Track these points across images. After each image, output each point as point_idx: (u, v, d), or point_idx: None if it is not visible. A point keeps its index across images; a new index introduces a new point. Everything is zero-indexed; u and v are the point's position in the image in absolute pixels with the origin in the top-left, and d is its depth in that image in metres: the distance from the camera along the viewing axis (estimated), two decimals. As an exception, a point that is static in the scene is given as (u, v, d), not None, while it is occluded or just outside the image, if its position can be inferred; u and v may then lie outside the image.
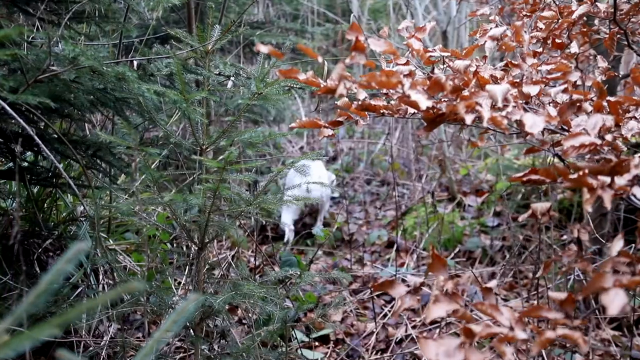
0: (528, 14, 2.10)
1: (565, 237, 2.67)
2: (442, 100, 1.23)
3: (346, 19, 7.39)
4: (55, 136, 2.18)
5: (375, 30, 7.22)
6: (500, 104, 1.16)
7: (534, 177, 1.18)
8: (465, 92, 1.25)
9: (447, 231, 3.28)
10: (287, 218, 3.77)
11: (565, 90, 1.29)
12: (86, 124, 2.93)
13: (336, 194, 4.58)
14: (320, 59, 1.20)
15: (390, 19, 7.69)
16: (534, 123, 1.12)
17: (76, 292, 2.45)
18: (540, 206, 1.15)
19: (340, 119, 1.45)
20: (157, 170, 1.97)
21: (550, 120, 1.16)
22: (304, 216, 4.06)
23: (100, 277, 2.59)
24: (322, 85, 1.24)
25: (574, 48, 1.79)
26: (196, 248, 1.96)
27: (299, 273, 2.07)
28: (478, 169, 4.16)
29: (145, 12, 4.26)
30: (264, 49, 1.16)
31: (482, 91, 1.21)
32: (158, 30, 4.30)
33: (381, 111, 1.39)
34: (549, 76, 1.34)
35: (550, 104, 1.40)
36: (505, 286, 2.91)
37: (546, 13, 1.84)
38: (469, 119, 1.08)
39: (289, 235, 3.74)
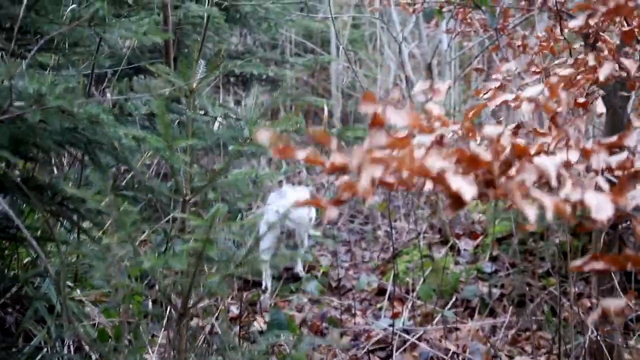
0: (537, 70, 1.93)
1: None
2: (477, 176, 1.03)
3: (325, 49, 7.24)
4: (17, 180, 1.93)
5: (355, 61, 7.08)
6: (554, 182, 0.96)
7: (597, 266, 0.97)
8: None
9: (444, 279, 3.08)
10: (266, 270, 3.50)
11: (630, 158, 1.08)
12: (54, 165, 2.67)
13: (317, 233, 4.34)
14: (333, 145, 0.98)
15: (368, 50, 7.59)
16: (601, 206, 0.91)
17: (39, 357, 2.16)
18: (613, 304, 0.94)
19: (344, 197, 1.21)
20: (133, 223, 1.72)
21: (617, 199, 0.96)
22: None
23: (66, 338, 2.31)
24: (327, 165, 1.02)
25: (600, 107, 1.60)
26: (177, 315, 1.72)
27: (292, 340, 1.83)
28: (470, 208, 4.00)
29: (118, 41, 4.02)
30: (263, 137, 0.94)
31: (528, 163, 1.00)
32: (133, 60, 4.07)
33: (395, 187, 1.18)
34: (603, 141, 1.13)
35: (593, 173, 1.19)
36: (507, 340, 2.71)
37: (565, 71, 1.65)
38: (531, 212, 0.86)
39: (267, 282, 3.48)
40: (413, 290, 3.15)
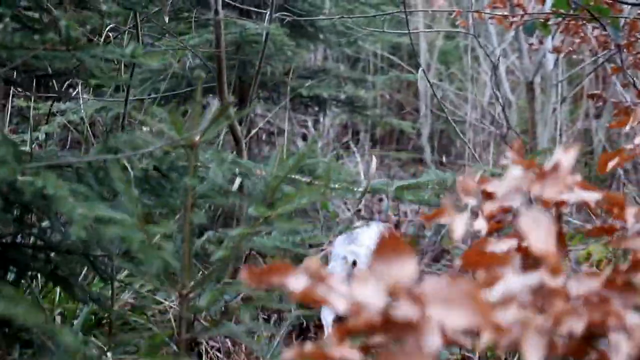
0: None
1: None
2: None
3: (411, 63, 6.66)
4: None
5: (446, 77, 6.46)
6: None
7: None
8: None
9: None
10: (328, 313, 2.95)
11: None
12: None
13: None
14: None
15: (463, 63, 6.92)
16: None
17: None
18: None
19: None
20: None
21: None
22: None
23: None
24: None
25: None
26: None
27: None
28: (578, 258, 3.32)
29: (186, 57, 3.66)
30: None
31: None
32: (192, 81, 3.70)
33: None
34: None
35: None
36: None
37: None
38: None
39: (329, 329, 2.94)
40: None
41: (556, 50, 2.28)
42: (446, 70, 6.61)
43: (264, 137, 4.57)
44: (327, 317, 2.96)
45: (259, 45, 3.47)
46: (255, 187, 1.33)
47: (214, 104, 1.36)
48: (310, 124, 5.64)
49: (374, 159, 1.53)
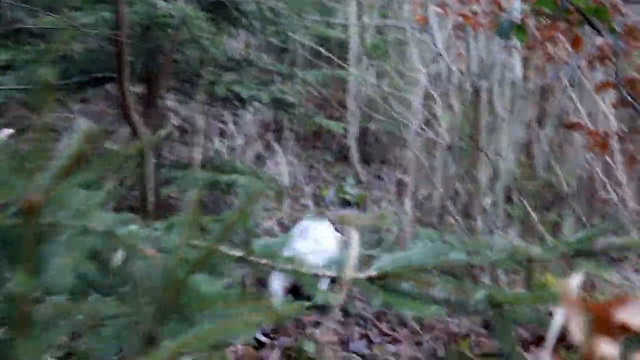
0: None
1: None
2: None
3: (343, 54, 6.18)
4: None
5: (379, 74, 6.03)
6: None
7: None
8: None
9: None
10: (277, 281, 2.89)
11: None
12: None
13: (330, 295, 3.33)
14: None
15: (392, 59, 6.50)
16: None
17: None
18: None
19: None
20: None
21: None
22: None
23: None
24: None
25: None
26: None
27: None
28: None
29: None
30: None
31: None
32: (85, 67, 3.05)
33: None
34: None
35: None
36: None
37: None
38: None
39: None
40: None
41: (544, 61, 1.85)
42: (378, 66, 6.18)
43: (176, 135, 3.97)
44: (275, 286, 2.86)
45: (171, 29, 2.87)
46: (149, 276, 0.78)
47: (80, 127, 0.80)
48: (229, 119, 5.05)
49: (355, 235, 0.92)
